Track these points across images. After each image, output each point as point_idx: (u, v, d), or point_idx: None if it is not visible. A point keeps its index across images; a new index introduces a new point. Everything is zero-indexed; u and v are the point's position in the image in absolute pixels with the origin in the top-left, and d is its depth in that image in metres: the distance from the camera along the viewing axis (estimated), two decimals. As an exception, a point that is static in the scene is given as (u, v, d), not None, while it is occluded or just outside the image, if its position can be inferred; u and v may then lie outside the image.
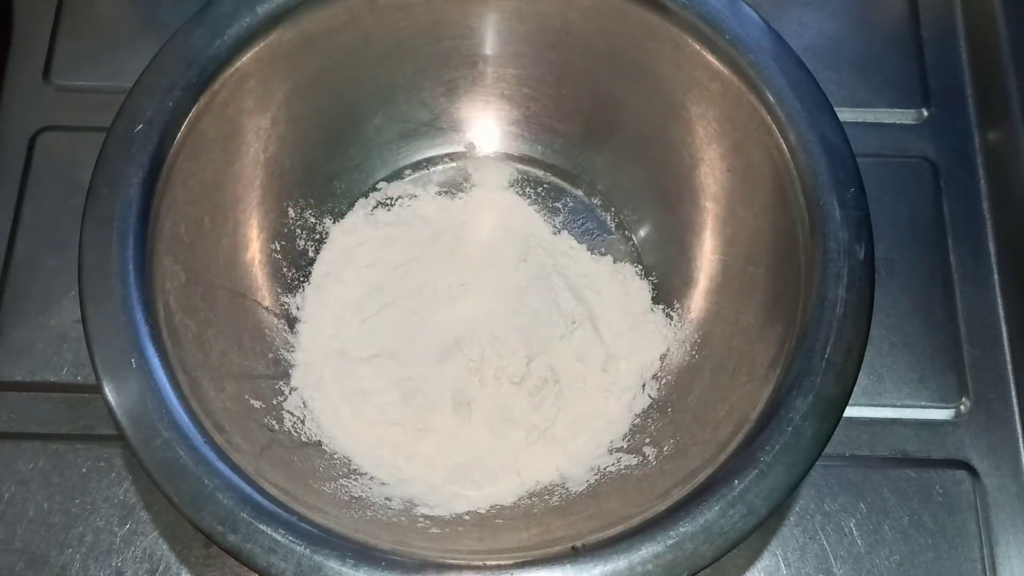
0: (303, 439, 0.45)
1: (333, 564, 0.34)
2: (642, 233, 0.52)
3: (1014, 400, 0.51)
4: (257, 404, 0.44)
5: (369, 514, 0.41)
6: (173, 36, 0.44)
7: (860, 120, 0.58)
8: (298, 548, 0.35)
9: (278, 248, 0.50)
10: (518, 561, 0.35)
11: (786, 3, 0.60)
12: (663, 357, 0.49)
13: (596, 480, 0.44)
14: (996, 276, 0.54)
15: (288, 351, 0.48)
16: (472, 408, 0.46)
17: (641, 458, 0.44)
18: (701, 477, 0.38)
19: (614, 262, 0.51)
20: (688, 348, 0.48)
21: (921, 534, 0.48)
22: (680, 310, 0.49)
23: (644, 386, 0.48)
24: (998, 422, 0.51)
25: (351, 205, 0.52)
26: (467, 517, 0.43)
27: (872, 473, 0.49)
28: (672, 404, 0.46)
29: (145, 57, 0.43)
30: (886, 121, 0.58)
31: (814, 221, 0.41)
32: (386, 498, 0.43)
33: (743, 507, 0.36)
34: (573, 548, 0.36)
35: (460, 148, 0.54)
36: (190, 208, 0.43)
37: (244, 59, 0.44)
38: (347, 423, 0.46)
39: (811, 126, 0.42)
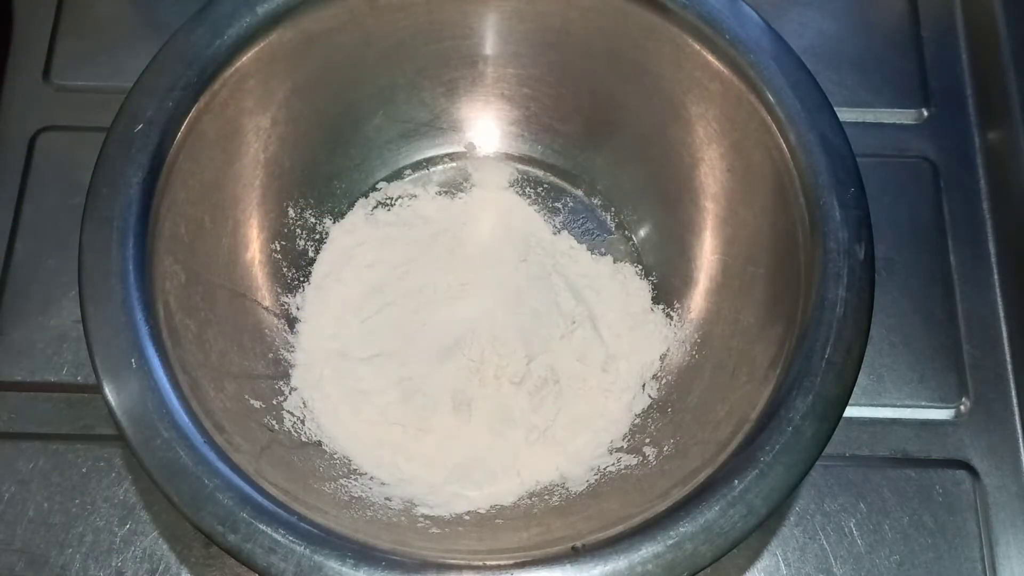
0: (303, 439, 0.45)
1: (333, 564, 0.34)
2: (642, 233, 0.52)
3: (1014, 400, 0.51)
4: (257, 404, 0.44)
5: (369, 514, 0.41)
6: (173, 36, 0.44)
7: (860, 120, 0.58)
8: (298, 548, 0.35)
9: (278, 248, 0.50)
10: (518, 561, 0.35)
11: (786, 3, 0.60)
12: (663, 357, 0.49)
13: (596, 480, 0.44)
14: (996, 276, 0.54)
15: (288, 351, 0.48)
16: (472, 408, 0.46)
17: (641, 458, 0.44)
18: (701, 477, 0.38)
19: (614, 262, 0.51)
20: (688, 348, 0.48)
21: (921, 534, 0.48)
22: (680, 310, 0.49)
23: (644, 386, 0.48)
24: (998, 422, 0.51)
25: (351, 205, 0.52)
26: (467, 517, 0.43)
27: (872, 473, 0.49)
28: (672, 404, 0.46)
29: (145, 57, 0.43)
30: (886, 121, 0.58)
31: (814, 221, 0.41)
32: (386, 498, 0.43)
33: (743, 507, 0.36)
34: (573, 548, 0.36)
35: (460, 148, 0.54)
36: (190, 208, 0.43)
37: (244, 59, 0.44)
38: (347, 423, 0.46)
39: (811, 126, 0.42)
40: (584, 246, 0.52)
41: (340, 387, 0.47)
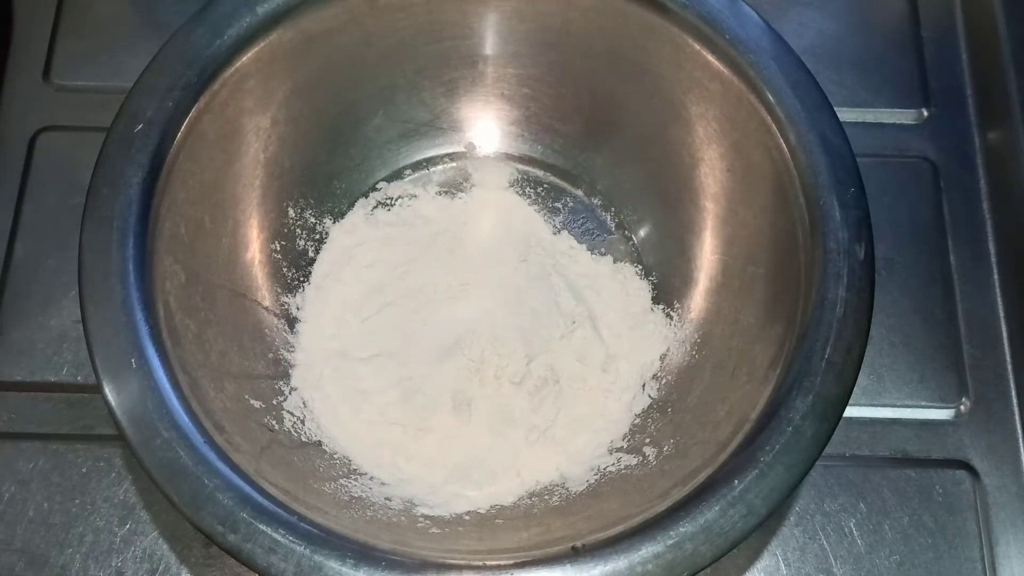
0: (303, 439, 0.45)
1: (333, 564, 0.34)
2: (642, 233, 0.52)
3: (1014, 400, 0.51)
4: (257, 404, 0.44)
5: (369, 514, 0.41)
6: (173, 36, 0.44)
7: (860, 120, 0.58)
8: (298, 548, 0.35)
9: (278, 248, 0.50)
10: (518, 561, 0.35)
11: (786, 3, 0.60)
12: (663, 357, 0.49)
13: (596, 480, 0.44)
14: (996, 276, 0.54)
15: (288, 351, 0.48)
16: (472, 408, 0.46)
17: (641, 458, 0.44)
18: (701, 477, 0.38)
19: (614, 262, 0.51)
20: (688, 348, 0.48)
21: (921, 534, 0.48)
22: (680, 310, 0.49)
23: (644, 386, 0.48)
24: (998, 422, 0.51)
25: (351, 205, 0.52)
26: (467, 517, 0.43)
27: (872, 473, 0.49)
28: (672, 404, 0.46)
29: (145, 57, 0.43)
30: (886, 121, 0.58)
31: (814, 221, 0.41)
32: (386, 498, 0.43)
33: (743, 507, 0.36)
34: (573, 548, 0.36)
35: (460, 148, 0.54)
36: (190, 208, 0.43)
37: (244, 59, 0.44)
38: (347, 423, 0.46)
39: (811, 126, 0.42)
40: (584, 246, 0.52)
41: (340, 387, 0.47)
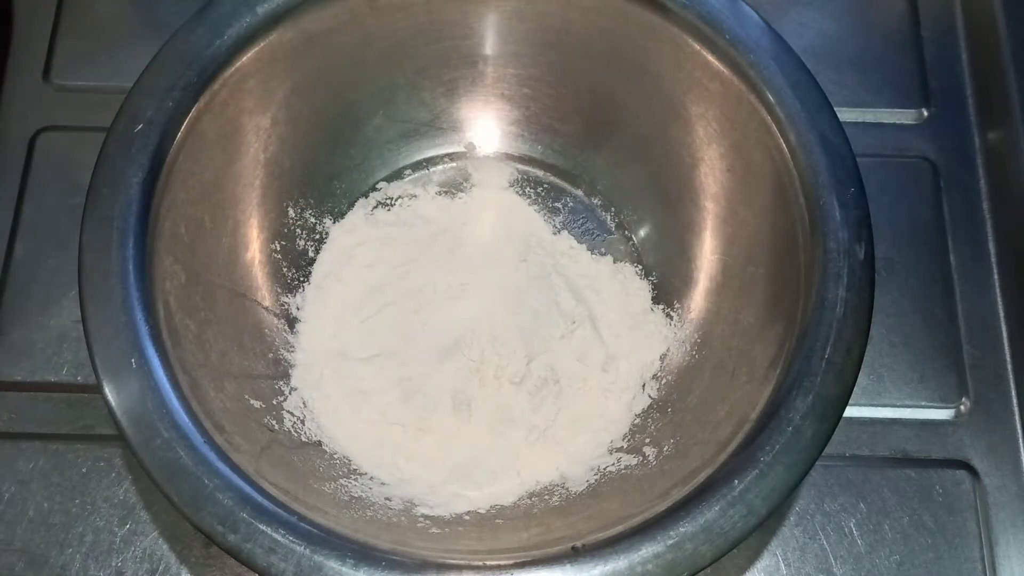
0: (303, 439, 0.45)
1: (333, 564, 0.34)
2: (642, 233, 0.52)
3: (1014, 400, 0.51)
4: (257, 404, 0.44)
5: (369, 514, 0.41)
6: (173, 36, 0.44)
7: (860, 120, 0.58)
8: (298, 548, 0.35)
9: (278, 248, 0.50)
10: (518, 561, 0.35)
11: (786, 3, 0.60)
12: (663, 357, 0.49)
13: (596, 480, 0.44)
14: (996, 276, 0.54)
15: (288, 351, 0.48)
16: (472, 408, 0.46)
17: (641, 458, 0.44)
18: (701, 477, 0.38)
19: (614, 262, 0.51)
20: (688, 348, 0.48)
21: (921, 534, 0.48)
22: (680, 310, 0.49)
23: (644, 386, 0.48)
24: (998, 422, 0.51)
25: (351, 205, 0.52)
26: (467, 517, 0.43)
27: (872, 473, 0.49)
28: (672, 404, 0.46)
29: (145, 57, 0.43)
30: (886, 121, 0.58)
31: (814, 221, 0.41)
32: (386, 498, 0.43)
33: (743, 507, 0.36)
34: (573, 548, 0.36)
35: (460, 148, 0.54)
36: (190, 208, 0.43)
37: (244, 59, 0.44)
38: (347, 423, 0.46)
39: (811, 126, 0.42)
40: (584, 246, 0.52)
41: (340, 387, 0.47)
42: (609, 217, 0.53)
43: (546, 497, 0.44)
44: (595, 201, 0.53)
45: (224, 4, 0.44)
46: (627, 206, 0.53)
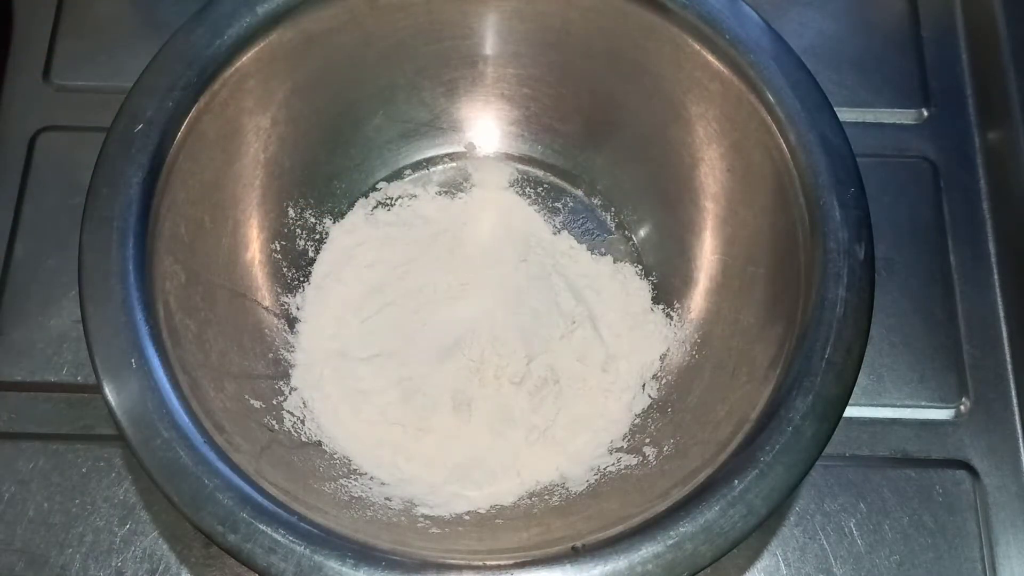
0: (303, 439, 0.45)
1: (333, 564, 0.34)
2: (642, 233, 0.52)
3: (1014, 400, 0.51)
4: (257, 404, 0.44)
5: (369, 514, 0.41)
6: (173, 36, 0.44)
7: (860, 120, 0.58)
8: (298, 548, 0.35)
9: (278, 248, 0.50)
10: (518, 561, 0.35)
11: (786, 3, 0.60)
12: (663, 357, 0.49)
13: (596, 480, 0.44)
14: (996, 276, 0.54)
15: (288, 351, 0.48)
16: (472, 408, 0.46)
17: (641, 458, 0.44)
18: (701, 477, 0.38)
19: (614, 262, 0.51)
20: (688, 348, 0.48)
21: (921, 534, 0.48)
22: (680, 310, 0.49)
23: (644, 386, 0.48)
24: (998, 422, 0.51)
25: (351, 205, 0.52)
26: (467, 517, 0.43)
27: (872, 473, 0.49)
28: (672, 404, 0.46)
29: (145, 57, 0.43)
30: (886, 121, 0.58)
31: (814, 221, 0.41)
32: (386, 498, 0.43)
33: (743, 507, 0.36)
34: (573, 548, 0.36)
35: (460, 148, 0.54)
36: (190, 208, 0.43)
37: (244, 59, 0.44)
38: (347, 423, 0.46)
39: (811, 126, 0.42)
40: (584, 246, 0.52)
41: (340, 387, 0.47)
42: (609, 217, 0.53)
43: (546, 497, 0.44)
44: (595, 201, 0.53)
45: (224, 4, 0.44)
46: (627, 206, 0.53)
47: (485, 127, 0.54)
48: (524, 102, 0.53)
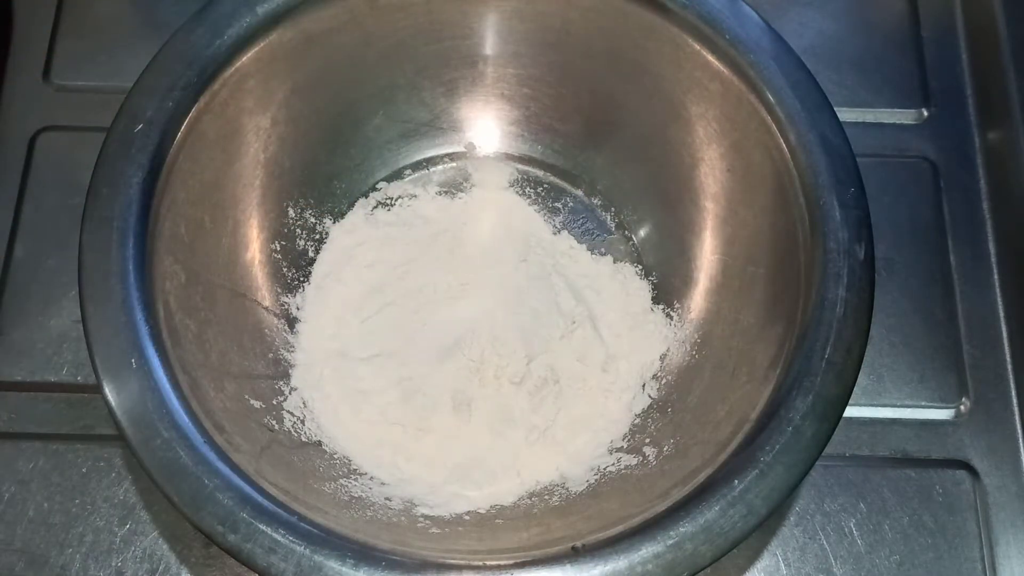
0: (303, 439, 0.45)
1: (333, 564, 0.34)
2: (642, 233, 0.52)
3: (1014, 400, 0.51)
4: (257, 404, 0.44)
5: (369, 514, 0.41)
6: (173, 36, 0.44)
7: (860, 120, 0.58)
8: (298, 548, 0.35)
9: (278, 248, 0.50)
10: (518, 561, 0.35)
11: (786, 3, 0.60)
12: (663, 357, 0.49)
13: (596, 480, 0.44)
14: (996, 276, 0.54)
15: (288, 351, 0.48)
16: (472, 408, 0.46)
17: (641, 458, 0.44)
18: (701, 477, 0.38)
19: (614, 262, 0.51)
20: (688, 348, 0.48)
21: (921, 534, 0.48)
22: (680, 310, 0.49)
23: (644, 386, 0.48)
24: (998, 422, 0.51)
25: (351, 205, 0.52)
26: (467, 517, 0.43)
27: (872, 473, 0.49)
28: (672, 404, 0.46)
29: (145, 57, 0.43)
30: (886, 121, 0.58)
31: (814, 221, 0.41)
32: (386, 498, 0.43)
33: (743, 507, 0.36)
34: (573, 548, 0.36)
35: (460, 148, 0.54)
36: (190, 208, 0.43)
37: (244, 59, 0.44)
38: (347, 423, 0.46)
39: (811, 126, 0.42)
40: (584, 246, 0.52)
41: (340, 387, 0.47)
42: (609, 217, 0.53)
43: (546, 497, 0.44)
44: (595, 201, 0.53)
45: (224, 4, 0.44)
46: (627, 206, 0.53)
47: (485, 127, 0.54)
48: (524, 102, 0.53)
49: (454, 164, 0.54)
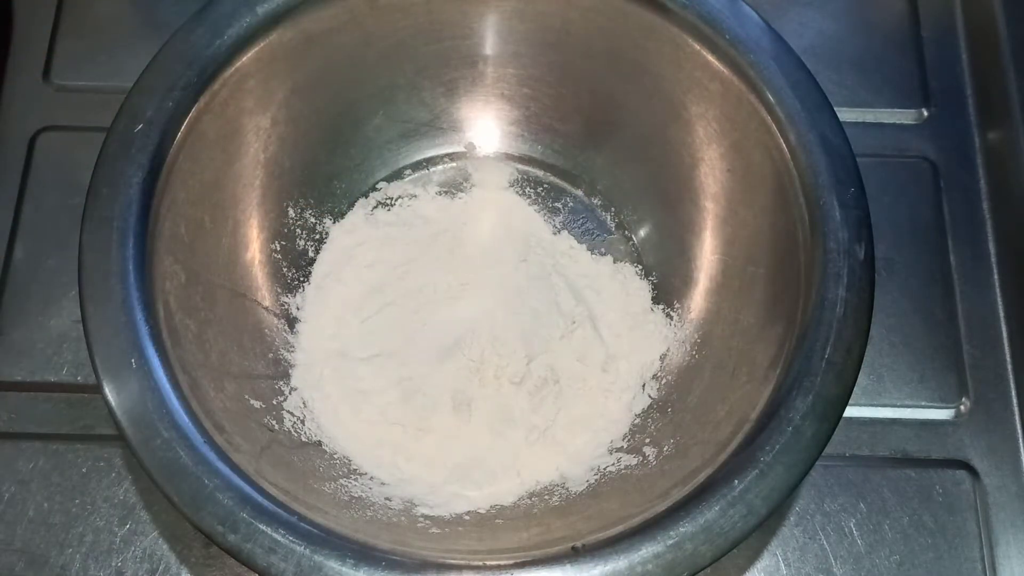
0: (303, 439, 0.45)
1: (333, 564, 0.34)
2: (642, 233, 0.52)
3: (1014, 400, 0.51)
4: (257, 404, 0.44)
5: (369, 514, 0.41)
6: (173, 36, 0.44)
7: (860, 120, 0.58)
8: (298, 548, 0.35)
9: (278, 248, 0.50)
10: (518, 561, 0.35)
11: (786, 3, 0.60)
12: (663, 357, 0.49)
13: (596, 480, 0.44)
14: (996, 276, 0.54)
15: (288, 351, 0.48)
16: (472, 408, 0.46)
17: (641, 458, 0.44)
18: (701, 477, 0.38)
19: (614, 262, 0.51)
20: (688, 348, 0.48)
21: (921, 534, 0.48)
22: (680, 310, 0.49)
23: (644, 386, 0.48)
24: (998, 422, 0.51)
25: (351, 205, 0.52)
26: (467, 517, 0.43)
27: (872, 473, 0.49)
28: (672, 404, 0.46)
29: (145, 57, 0.43)
30: (886, 121, 0.58)
31: (814, 221, 0.41)
32: (386, 498, 0.43)
33: (743, 507, 0.36)
34: (573, 548, 0.36)
35: (460, 148, 0.54)
36: (190, 208, 0.43)
37: (244, 59, 0.44)
38: (347, 423, 0.46)
39: (811, 126, 0.42)
40: (584, 246, 0.52)
41: (340, 387, 0.47)
42: (609, 217, 0.53)
43: (546, 497, 0.44)
44: (595, 201, 0.53)
45: (224, 4, 0.44)
46: (627, 206, 0.53)
47: (485, 127, 0.54)
48: (524, 102, 0.53)
49: (454, 164, 0.54)
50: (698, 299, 0.49)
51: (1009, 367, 0.52)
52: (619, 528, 0.36)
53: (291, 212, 0.50)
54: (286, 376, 0.47)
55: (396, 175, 0.54)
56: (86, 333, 0.38)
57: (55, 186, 0.54)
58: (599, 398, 0.48)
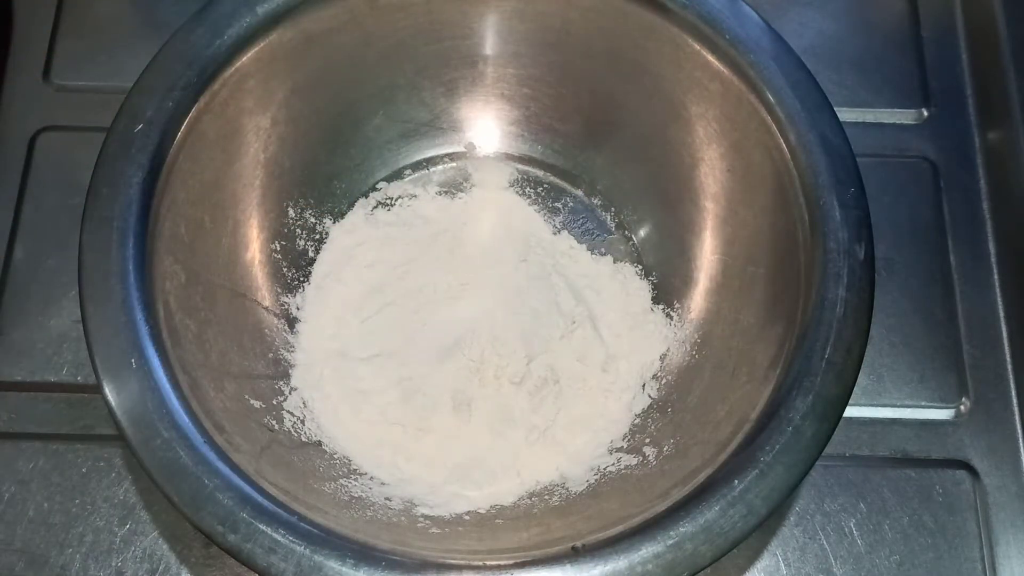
0: (303, 439, 0.45)
1: (333, 564, 0.34)
2: (642, 233, 0.52)
3: (1014, 400, 0.51)
4: (257, 404, 0.44)
5: (369, 514, 0.41)
6: (173, 36, 0.44)
7: (860, 120, 0.58)
8: (298, 548, 0.35)
9: (278, 248, 0.50)
10: (518, 561, 0.35)
11: (786, 3, 0.60)
12: (663, 357, 0.49)
13: (596, 480, 0.44)
14: (996, 276, 0.54)
15: (288, 351, 0.48)
16: (472, 408, 0.46)
17: (641, 458, 0.44)
18: (701, 477, 0.38)
19: (614, 262, 0.51)
20: (688, 348, 0.48)
21: (921, 534, 0.48)
22: (680, 310, 0.49)
23: (644, 386, 0.48)
24: (998, 422, 0.51)
25: (351, 205, 0.52)
26: (467, 517, 0.43)
27: (872, 473, 0.49)
28: (672, 404, 0.46)
29: (145, 57, 0.43)
30: (886, 121, 0.58)
31: (814, 221, 0.41)
32: (386, 498, 0.43)
33: (743, 507, 0.36)
34: (573, 548, 0.36)
35: (460, 148, 0.54)
36: (190, 208, 0.43)
37: (244, 59, 0.44)
38: (347, 423, 0.46)
39: (811, 126, 0.42)
40: (584, 246, 0.52)
41: (340, 387, 0.47)
42: (609, 217, 0.53)
43: (546, 497, 0.44)
44: (595, 201, 0.53)
45: (224, 4, 0.44)
46: (627, 206, 0.53)
47: (485, 127, 0.54)
48: (524, 102, 0.53)
49: (454, 164, 0.54)
50: (698, 299, 0.49)
51: (1009, 367, 0.52)
52: (619, 528, 0.36)
53: (291, 212, 0.50)
54: (286, 376, 0.47)
55: (396, 175, 0.54)
56: (86, 333, 0.38)
57: (55, 186, 0.54)
58: (599, 398, 0.48)
